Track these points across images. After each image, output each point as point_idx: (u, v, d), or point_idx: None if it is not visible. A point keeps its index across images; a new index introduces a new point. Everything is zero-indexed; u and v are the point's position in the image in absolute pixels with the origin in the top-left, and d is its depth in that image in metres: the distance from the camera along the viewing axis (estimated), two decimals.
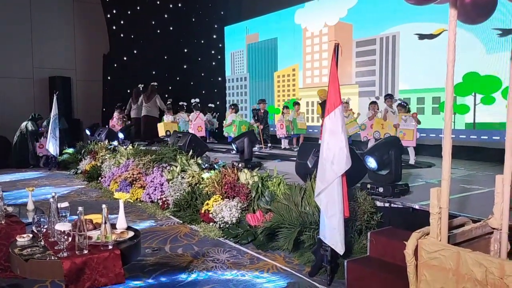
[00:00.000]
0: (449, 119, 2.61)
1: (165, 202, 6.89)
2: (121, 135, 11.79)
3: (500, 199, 2.83)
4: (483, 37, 7.97)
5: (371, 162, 4.85)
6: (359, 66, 10.68)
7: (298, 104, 11.09)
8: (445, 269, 2.52)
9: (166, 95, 16.28)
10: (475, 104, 8.26)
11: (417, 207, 4.47)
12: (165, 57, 16.37)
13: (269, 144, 11.21)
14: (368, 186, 4.95)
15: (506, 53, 7.62)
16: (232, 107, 11.73)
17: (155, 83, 13.03)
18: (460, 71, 7.56)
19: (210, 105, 14.30)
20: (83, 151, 11.33)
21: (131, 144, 10.43)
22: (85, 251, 2.75)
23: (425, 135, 7.96)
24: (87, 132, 13.44)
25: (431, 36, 8.35)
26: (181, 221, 6.24)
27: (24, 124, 12.22)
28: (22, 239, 3.03)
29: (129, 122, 13.28)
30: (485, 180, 5.95)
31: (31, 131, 12.05)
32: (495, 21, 7.51)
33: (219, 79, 15.99)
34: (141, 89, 13.10)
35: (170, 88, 16.43)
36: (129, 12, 15.71)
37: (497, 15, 2.79)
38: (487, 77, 8.00)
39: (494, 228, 2.90)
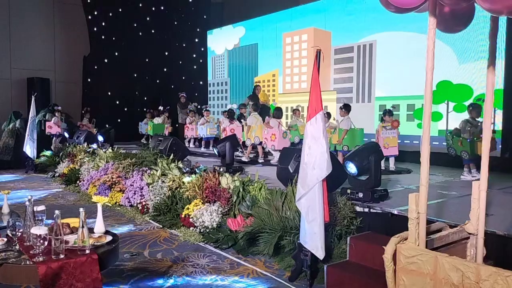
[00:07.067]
0: (427, 125, 2.65)
1: (145, 206, 6.81)
2: (100, 138, 11.63)
3: (476, 205, 2.89)
4: (456, 47, 8.21)
5: (351, 168, 4.90)
6: (337, 72, 10.82)
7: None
8: (423, 274, 2.56)
9: (145, 98, 16.21)
10: (447, 112, 8.47)
11: (396, 212, 4.53)
12: (147, 60, 16.26)
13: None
14: (348, 191, 5.00)
15: (477, 62, 7.90)
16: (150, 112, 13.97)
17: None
18: (434, 79, 7.68)
19: (189, 107, 14.13)
20: (61, 153, 11.12)
21: (110, 147, 10.29)
22: (62, 256, 2.70)
23: (400, 141, 8.06)
24: (66, 134, 13.21)
25: None
26: (161, 226, 6.18)
27: (14, 124, 12.12)
28: None
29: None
30: (461, 186, 6.07)
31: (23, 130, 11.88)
32: (472, 31, 7.69)
33: (201, 83, 15.95)
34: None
35: (150, 91, 16.34)
36: (110, 14, 15.55)
37: (474, 24, 2.86)
38: (459, 86, 8.25)
39: (470, 233, 2.96)
